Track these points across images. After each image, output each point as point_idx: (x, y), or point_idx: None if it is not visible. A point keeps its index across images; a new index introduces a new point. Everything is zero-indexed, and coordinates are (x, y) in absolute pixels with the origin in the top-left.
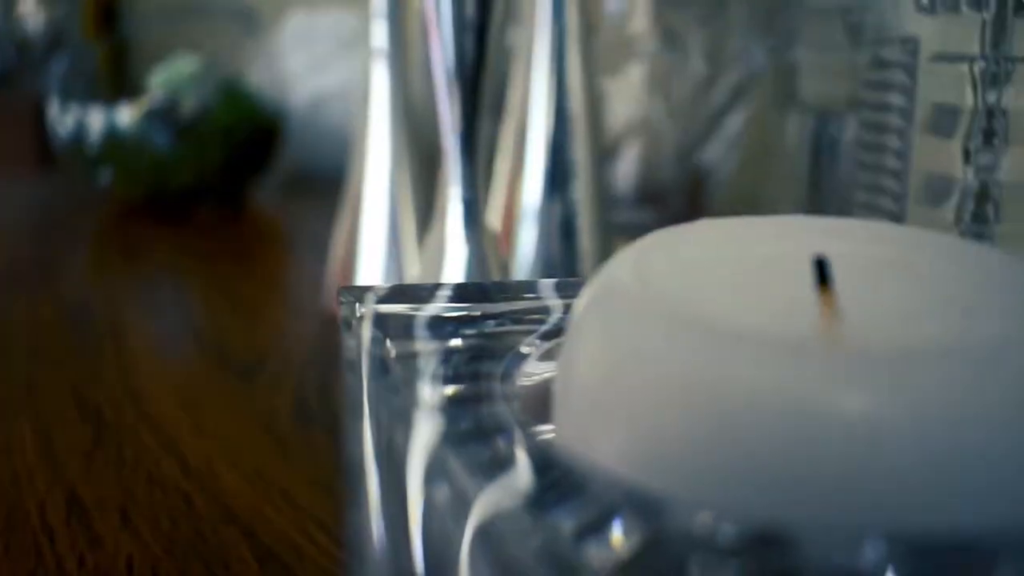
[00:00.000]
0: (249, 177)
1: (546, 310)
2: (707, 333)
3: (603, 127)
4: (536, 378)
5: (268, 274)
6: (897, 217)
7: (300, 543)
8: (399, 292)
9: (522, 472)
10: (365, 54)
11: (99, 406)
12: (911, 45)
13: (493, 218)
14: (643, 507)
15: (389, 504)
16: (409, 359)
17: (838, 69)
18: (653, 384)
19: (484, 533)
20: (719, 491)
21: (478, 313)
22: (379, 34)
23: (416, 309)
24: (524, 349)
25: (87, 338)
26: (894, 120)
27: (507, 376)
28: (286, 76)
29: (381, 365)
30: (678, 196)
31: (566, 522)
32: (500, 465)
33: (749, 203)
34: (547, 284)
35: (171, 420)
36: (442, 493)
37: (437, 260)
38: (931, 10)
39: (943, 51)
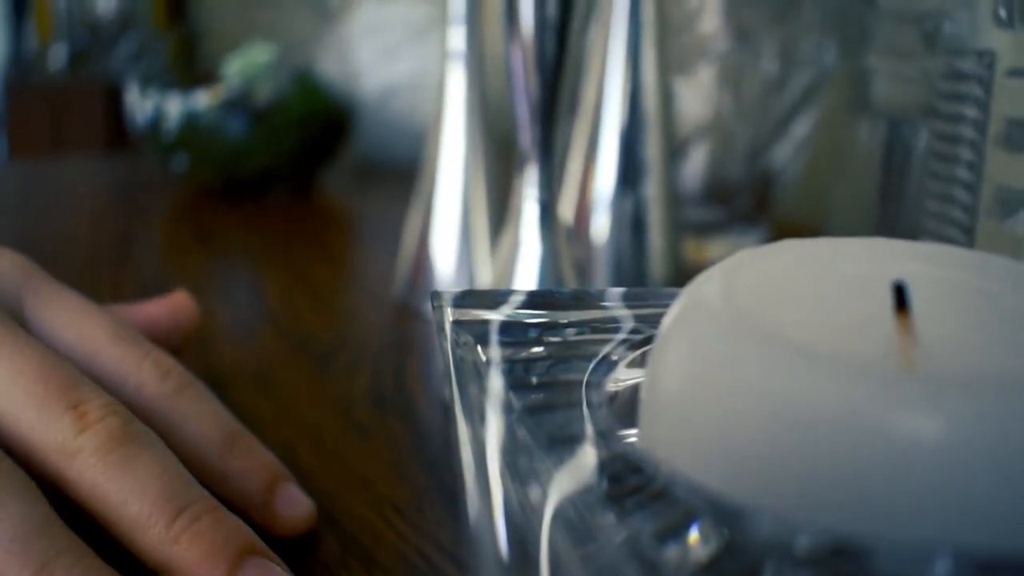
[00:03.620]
0: (320, 165)
1: (619, 320)
2: (788, 352)
3: (675, 125)
4: (622, 385)
5: (338, 261)
6: (967, 229)
7: (379, 528)
8: (487, 297)
9: (607, 475)
10: (435, 44)
11: None
12: (987, 58)
13: (566, 212)
14: (721, 514)
15: (485, 507)
16: (497, 363)
17: (911, 76)
18: (734, 398)
19: (568, 531)
20: (794, 503)
21: (563, 321)
22: (456, 38)
23: (503, 314)
24: (612, 357)
25: None
26: (967, 132)
27: (594, 382)
28: (357, 66)
29: (472, 368)
30: (745, 196)
31: (648, 524)
32: (586, 467)
33: (817, 206)
34: (618, 293)
35: (251, 403)
36: (530, 492)
37: (511, 260)
38: (1010, 25)
39: (1019, 66)
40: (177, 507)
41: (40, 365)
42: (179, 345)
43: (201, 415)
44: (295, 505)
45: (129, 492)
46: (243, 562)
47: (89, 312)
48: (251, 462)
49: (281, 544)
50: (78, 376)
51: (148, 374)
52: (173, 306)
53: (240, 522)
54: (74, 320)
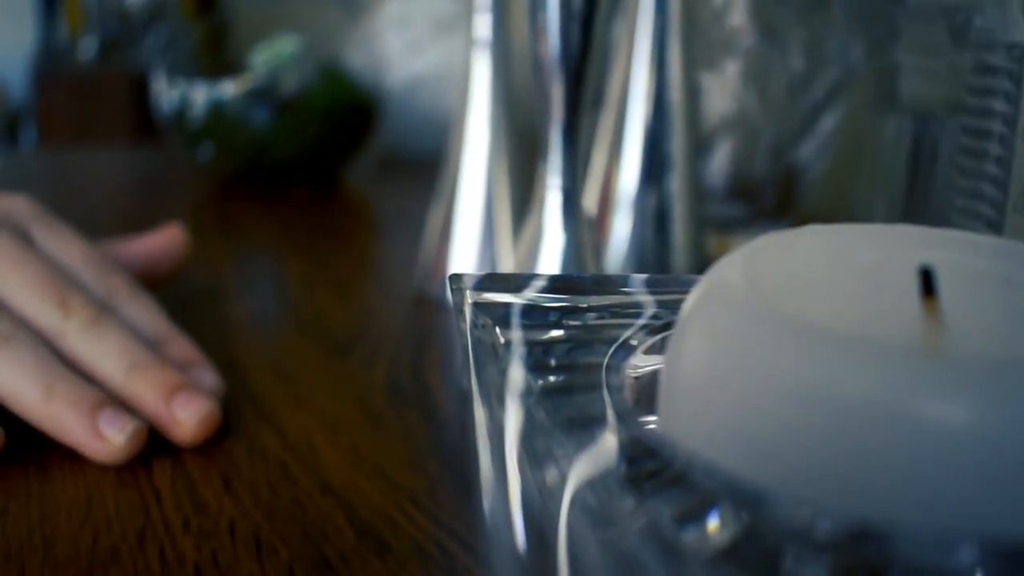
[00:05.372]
0: (345, 156)
1: (640, 305)
2: (811, 335)
3: (700, 120)
4: (642, 370)
5: (360, 251)
6: (995, 224)
7: (395, 517)
8: (507, 281)
9: (626, 457)
10: (461, 37)
11: None
12: (1017, 52)
13: (589, 205)
14: (742, 498)
15: (501, 490)
16: (517, 346)
17: (939, 71)
18: (756, 381)
19: (587, 515)
20: (816, 487)
21: (584, 305)
22: (482, 26)
23: (523, 298)
24: (632, 341)
25: (188, 307)
26: (996, 126)
27: (614, 366)
28: (383, 58)
29: (491, 351)
30: (770, 192)
31: (668, 508)
32: (605, 451)
33: (841, 202)
34: (639, 279)
35: (268, 391)
36: (547, 476)
37: (534, 248)
38: None
39: None
40: (133, 363)
41: (43, 274)
42: (175, 267)
43: (143, 319)
44: (205, 379)
45: (101, 356)
46: (176, 394)
47: (77, 243)
48: (177, 351)
49: (293, 527)
50: (67, 282)
51: (106, 288)
52: (167, 237)
53: (177, 372)
54: (64, 248)
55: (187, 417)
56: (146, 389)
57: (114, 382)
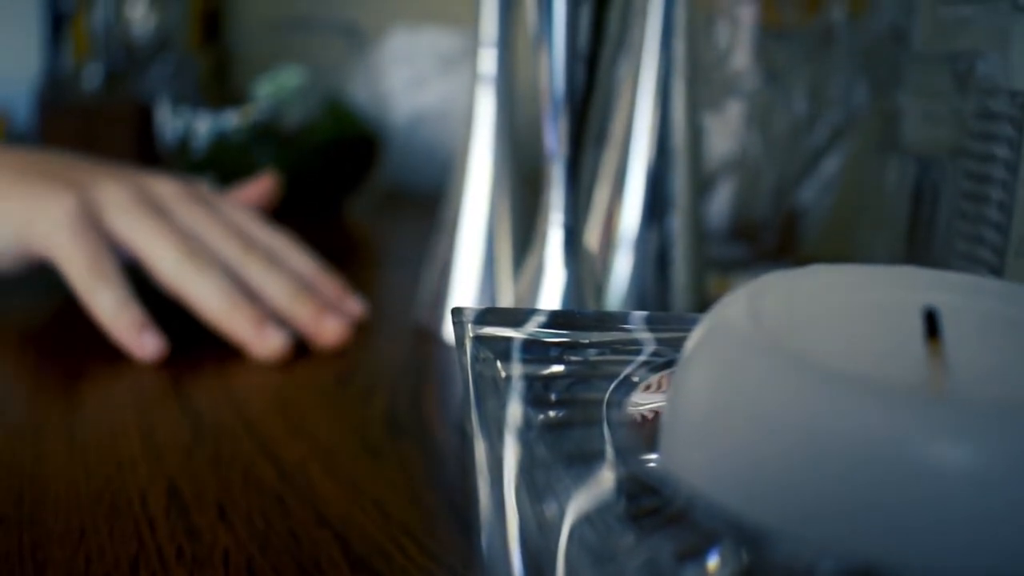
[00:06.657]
0: (347, 189)
1: (641, 342)
2: (815, 375)
3: (702, 161)
4: (643, 407)
5: (361, 284)
6: (996, 270)
7: (391, 551)
8: (508, 315)
9: (626, 494)
10: (465, 73)
11: (198, 404)
12: (1020, 98)
13: (591, 243)
14: (743, 537)
15: (499, 523)
16: (517, 381)
17: (942, 116)
18: (759, 420)
19: (586, 551)
20: (818, 527)
21: (585, 341)
22: (487, 61)
23: (524, 333)
24: (633, 378)
25: (188, 337)
26: (998, 172)
27: (614, 402)
28: (387, 92)
29: (491, 385)
30: (771, 233)
31: (668, 545)
32: (605, 487)
33: (843, 245)
34: (640, 316)
35: (267, 421)
36: (546, 511)
37: (535, 284)
38: None
39: None
40: (296, 291)
41: (231, 227)
42: (271, 208)
43: (302, 263)
44: (351, 306)
45: (272, 283)
46: (324, 314)
47: (247, 211)
48: (328, 288)
49: (288, 558)
50: (248, 235)
51: (273, 240)
52: (264, 185)
53: (326, 300)
54: (240, 213)
55: (330, 330)
56: (303, 310)
57: (280, 303)
